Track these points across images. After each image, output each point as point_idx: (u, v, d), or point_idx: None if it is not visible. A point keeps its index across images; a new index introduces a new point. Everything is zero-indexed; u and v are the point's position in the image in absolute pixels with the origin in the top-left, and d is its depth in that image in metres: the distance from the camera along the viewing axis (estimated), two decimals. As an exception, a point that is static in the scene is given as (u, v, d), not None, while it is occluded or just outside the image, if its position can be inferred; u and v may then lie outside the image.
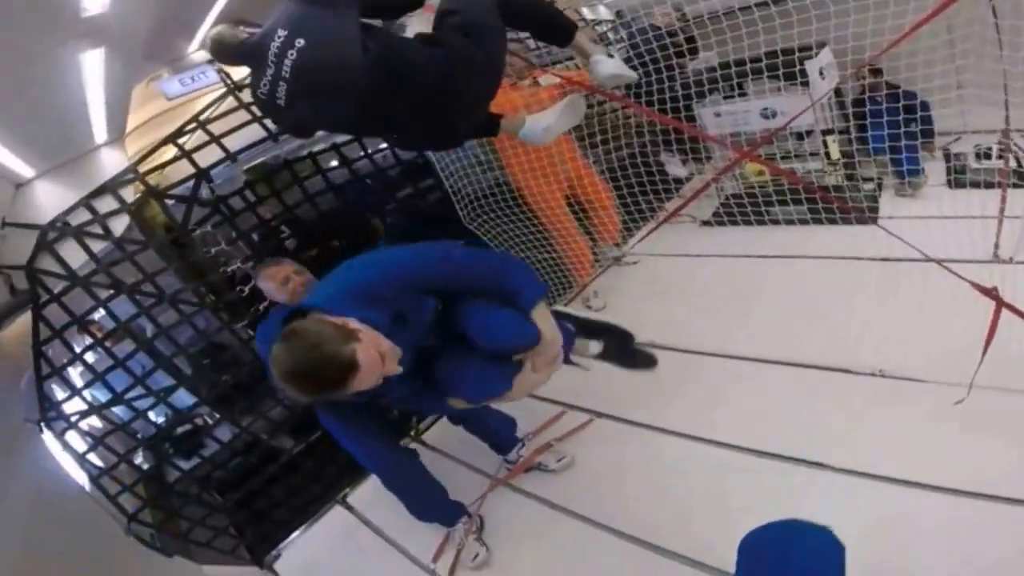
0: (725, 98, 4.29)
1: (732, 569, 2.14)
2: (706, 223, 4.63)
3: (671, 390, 3.23)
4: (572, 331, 2.67)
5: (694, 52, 4.25)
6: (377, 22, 2.28)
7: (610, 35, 4.98)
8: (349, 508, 3.56)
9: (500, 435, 3.15)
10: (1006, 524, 2.09)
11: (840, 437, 2.62)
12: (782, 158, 4.29)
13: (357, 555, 3.26)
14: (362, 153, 3.86)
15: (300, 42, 1.98)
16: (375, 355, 1.72)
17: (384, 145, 3.98)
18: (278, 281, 2.77)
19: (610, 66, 2.57)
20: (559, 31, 2.45)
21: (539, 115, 2.71)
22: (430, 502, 2.91)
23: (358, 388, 1.71)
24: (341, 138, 3.88)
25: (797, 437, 2.69)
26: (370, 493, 3.54)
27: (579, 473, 3.04)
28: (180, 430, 3.66)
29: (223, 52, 2.16)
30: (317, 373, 1.65)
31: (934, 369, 2.68)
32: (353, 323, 1.75)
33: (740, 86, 4.21)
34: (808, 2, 2.70)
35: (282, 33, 1.99)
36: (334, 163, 3.85)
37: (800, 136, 4.37)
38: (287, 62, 1.99)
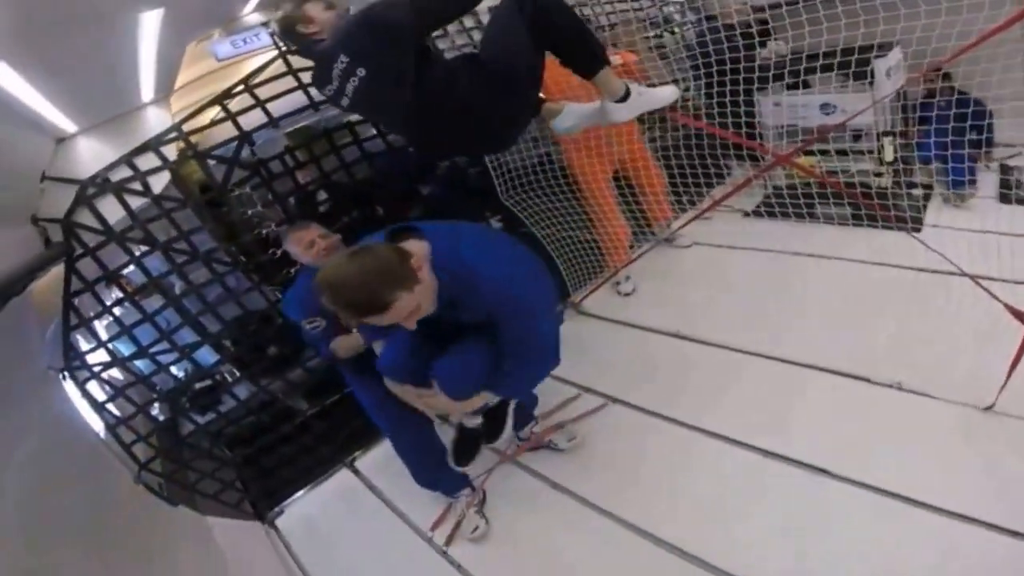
0: (788, 88, 4.14)
1: (723, 565, 2.27)
2: (749, 214, 4.56)
3: (687, 380, 3.30)
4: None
5: (764, 43, 4.14)
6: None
7: (676, 16, 4.82)
8: (356, 472, 3.64)
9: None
10: (999, 554, 2.10)
11: (848, 445, 2.63)
12: (837, 153, 4.11)
13: (358, 519, 3.34)
14: None
15: (361, 72, 2.12)
16: (409, 309, 1.84)
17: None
18: (304, 245, 2.78)
19: (633, 107, 2.48)
20: (589, 58, 2.34)
21: (574, 108, 2.66)
22: (436, 470, 2.97)
23: (371, 323, 1.85)
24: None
25: (805, 440, 2.72)
26: (378, 459, 3.62)
27: (588, 457, 3.08)
28: (198, 385, 3.71)
29: (290, 38, 2.33)
30: (347, 295, 1.77)
31: (954, 387, 2.67)
32: (425, 270, 1.89)
33: (805, 79, 4.09)
34: (878, 3, 2.66)
35: (344, 60, 2.11)
36: (373, 131, 3.79)
37: (856, 135, 4.23)
38: (349, 86, 2.16)
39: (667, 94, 2.53)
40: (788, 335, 3.29)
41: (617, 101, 2.41)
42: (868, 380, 2.90)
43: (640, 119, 3.98)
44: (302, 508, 3.61)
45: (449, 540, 2.95)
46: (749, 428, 2.87)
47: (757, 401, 3.03)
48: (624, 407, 3.29)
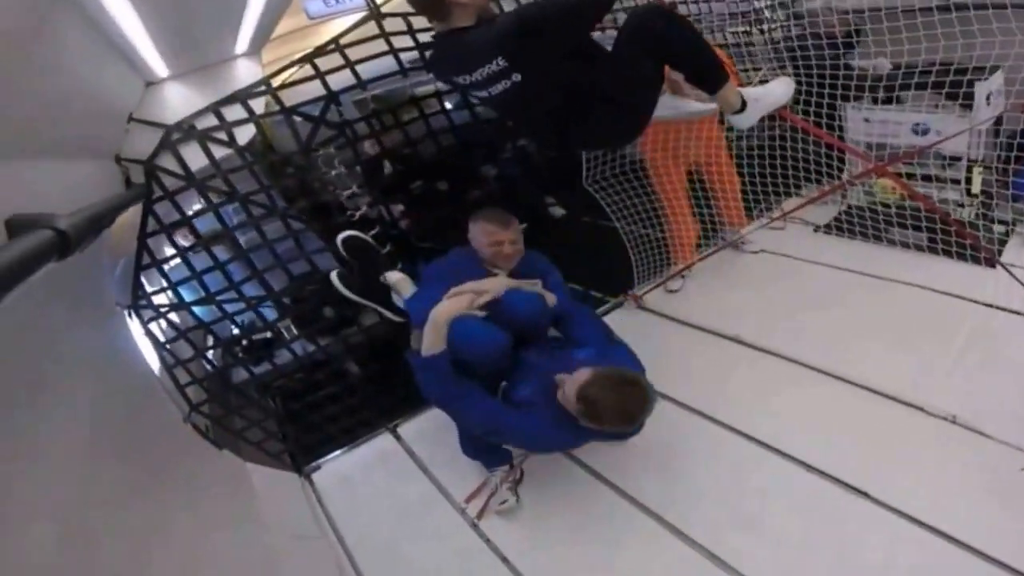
0: (882, 102, 3.99)
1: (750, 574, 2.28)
2: (821, 228, 4.41)
3: (736, 384, 3.28)
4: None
5: (851, 50, 4.05)
6: None
7: (767, 12, 4.68)
8: (397, 437, 3.68)
9: None
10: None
11: (894, 471, 2.59)
12: (923, 179, 4.00)
13: (394, 482, 3.39)
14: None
15: (517, 78, 2.16)
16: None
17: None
18: (491, 241, 3.00)
19: (751, 116, 2.50)
20: (712, 78, 2.38)
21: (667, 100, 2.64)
22: (485, 444, 3.00)
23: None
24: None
25: (850, 459, 2.69)
26: (421, 427, 3.68)
27: (628, 449, 3.02)
28: (257, 337, 3.77)
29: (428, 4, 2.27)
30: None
31: (1010, 431, 2.60)
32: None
33: (897, 95, 3.89)
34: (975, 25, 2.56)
35: (501, 63, 2.11)
36: (448, 105, 3.77)
37: (951, 161, 4.04)
38: (498, 87, 2.21)
39: (784, 89, 2.53)
40: (845, 353, 3.23)
41: (734, 113, 2.43)
42: (922, 410, 2.84)
43: (721, 120, 3.94)
44: (340, 466, 3.67)
45: (481, 513, 2.99)
46: (793, 439, 2.85)
47: (804, 413, 2.99)
48: (670, 403, 3.28)
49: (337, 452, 3.73)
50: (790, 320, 3.58)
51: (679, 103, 2.61)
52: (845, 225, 4.12)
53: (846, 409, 2.97)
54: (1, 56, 1.45)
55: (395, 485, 3.36)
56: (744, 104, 2.42)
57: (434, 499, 3.19)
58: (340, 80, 3.08)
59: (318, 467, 3.66)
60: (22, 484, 1.48)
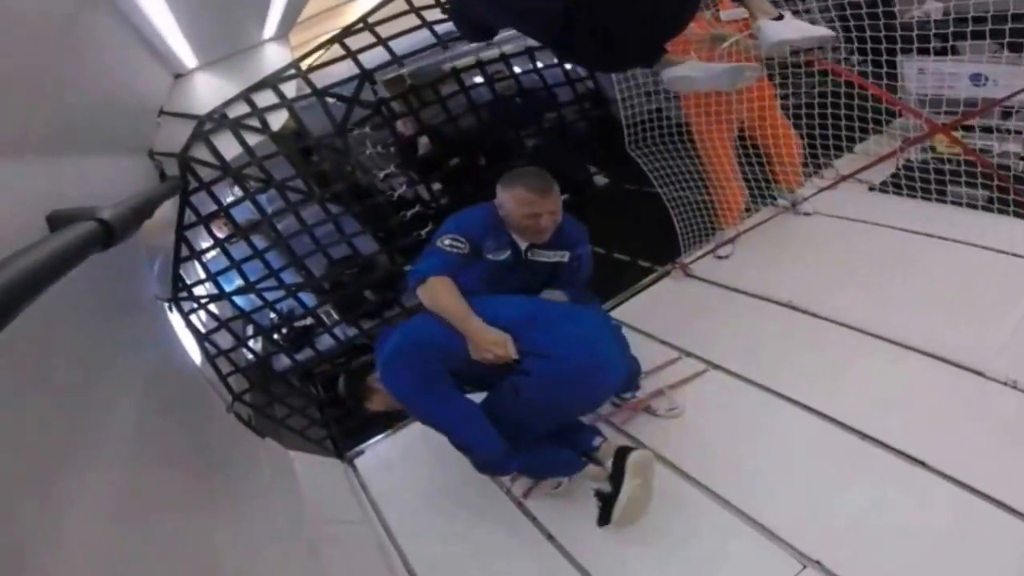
0: (935, 54, 3.74)
1: (808, 551, 2.23)
2: (876, 187, 4.17)
3: (793, 353, 3.16)
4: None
5: None
6: None
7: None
8: None
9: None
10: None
11: (951, 438, 2.49)
12: (981, 130, 3.74)
13: (438, 465, 3.33)
14: (531, 67, 3.65)
15: None
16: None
17: (554, 62, 3.79)
18: (525, 211, 2.65)
19: (778, 30, 2.24)
20: None
21: (696, 64, 2.49)
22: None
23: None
24: (511, 47, 3.74)
25: (907, 427, 2.58)
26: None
27: (682, 423, 3.01)
28: (297, 323, 3.78)
29: None
30: None
31: None
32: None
33: (953, 45, 3.65)
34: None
35: None
36: (478, 79, 3.70)
37: (1007, 112, 3.80)
38: None
39: (823, 31, 2.37)
40: (902, 317, 3.09)
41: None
42: (982, 375, 2.71)
43: (771, 77, 3.80)
44: (383, 450, 3.66)
45: (528, 493, 2.94)
46: (849, 408, 2.74)
47: (861, 381, 2.88)
48: (723, 373, 3.19)
49: (380, 436, 3.71)
50: (846, 284, 3.44)
51: (699, 65, 2.46)
52: (903, 183, 3.88)
53: (902, 376, 2.85)
54: (33, 52, 1.43)
55: (438, 467, 3.31)
56: (781, 16, 2.22)
57: (479, 480, 3.06)
58: (373, 59, 3.03)
59: (361, 452, 3.65)
60: (72, 476, 1.47)
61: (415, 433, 3.65)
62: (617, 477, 2.50)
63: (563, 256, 2.87)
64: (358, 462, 3.61)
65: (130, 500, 1.71)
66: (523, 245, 2.79)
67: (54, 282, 1.09)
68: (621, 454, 2.53)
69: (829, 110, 3.70)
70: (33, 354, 1.43)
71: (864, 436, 2.62)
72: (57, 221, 1.40)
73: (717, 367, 3.22)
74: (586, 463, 2.68)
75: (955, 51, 3.74)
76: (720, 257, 4.08)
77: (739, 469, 2.70)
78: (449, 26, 3.09)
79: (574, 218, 2.95)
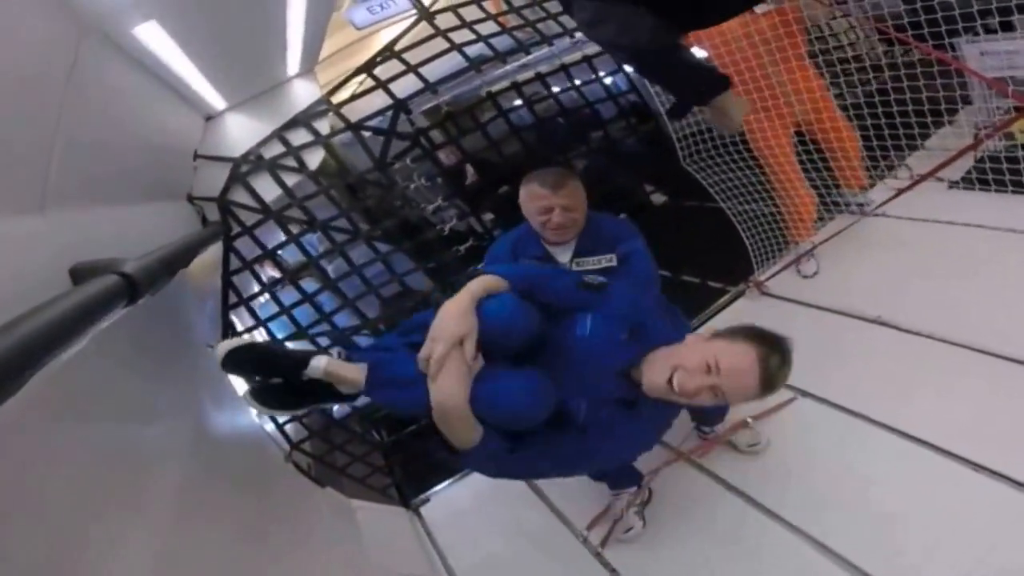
0: (987, 33, 3.39)
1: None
2: (955, 184, 3.78)
3: (890, 375, 2.82)
4: None
5: None
6: None
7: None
8: None
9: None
10: None
11: None
12: None
13: (509, 512, 3.17)
14: (568, 85, 3.53)
15: None
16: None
17: (591, 77, 3.63)
18: (539, 207, 2.56)
19: None
20: None
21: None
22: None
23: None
24: (546, 67, 3.60)
25: (1014, 450, 2.27)
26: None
27: (769, 457, 2.76)
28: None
29: None
30: None
31: None
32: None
33: (1007, 22, 3.33)
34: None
35: None
36: (518, 102, 3.57)
37: None
38: None
39: None
40: (999, 326, 2.76)
41: None
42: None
43: (822, 73, 3.59)
44: (450, 497, 3.48)
45: (604, 541, 2.71)
46: (958, 435, 2.42)
47: (970, 403, 2.54)
48: (813, 401, 2.91)
49: (447, 482, 3.54)
50: (939, 294, 3.11)
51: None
52: (983, 177, 3.54)
53: (1006, 391, 2.52)
54: (48, 107, 1.39)
55: (510, 515, 3.14)
56: None
57: (553, 528, 2.92)
58: (406, 87, 2.94)
59: (427, 500, 3.49)
60: (115, 532, 1.41)
61: (484, 479, 3.44)
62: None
63: (610, 260, 2.65)
64: (424, 510, 3.45)
65: (177, 555, 1.62)
66: (564, 257, 2.66)
67: (74, 337, 1.05)
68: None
69: (890, 108, 3.41)
70: (73, 406, 1.39)
71: (977, 467, 2.32)
72: (79, 274, 1.34)
73: (806, 394, 2.95)
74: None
75: (1009, 27, 3.42)
76: (806, 276, 3.74)
77: (832, 507, 2.43)
78: (480, 48, 3.01)
79: (622, 220, 2.81)
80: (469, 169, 4.23)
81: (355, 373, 2.08)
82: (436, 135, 3.30)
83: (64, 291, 1.17)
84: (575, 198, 2.57)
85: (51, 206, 1.47)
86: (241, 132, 2.84)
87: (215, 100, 2.74)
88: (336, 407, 3.67)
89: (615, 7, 1.73)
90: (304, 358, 2.14)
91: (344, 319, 3.31)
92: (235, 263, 2.84)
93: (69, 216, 1.54)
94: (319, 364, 2.11)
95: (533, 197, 2.58)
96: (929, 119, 3.32)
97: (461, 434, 1.78)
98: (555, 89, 3.53)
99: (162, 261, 1.50)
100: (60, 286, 1.28)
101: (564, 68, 3.49)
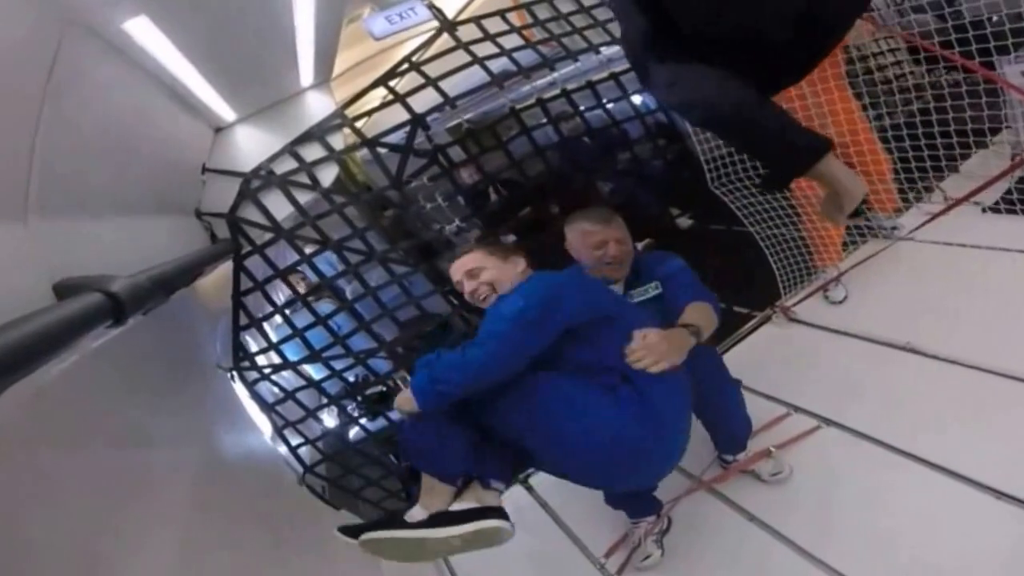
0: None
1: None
2: (990, 208, 3.59)
3: (919, 404, 2.68)
4: None
5: None
6: None
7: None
8: (529, 488, 3.36)
9: (735, 433, 2.72)
10: None
11: None
12: None
13: (526, 538, 2.95)
14: (595, 103, 3.42)
15: None
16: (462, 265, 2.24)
17: (618, 95, 3.46)
18: (594, 243, 2.56)
19: None
20: None
21: None
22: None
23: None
24: (573, 84, 3.49)
25: None
26: (555, 478, 3.33)
27: (793, 486, 2.64)
28: (369, 391, 3.60)
29: None
30: None
31: None
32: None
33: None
34: None
35: None
36: (542, 120, 3.47)
37: None
38: None
39: None
40: None
41: None
42: None
43: (859, 95, 3.46)
44: None
45: (622, 569, 2.65)
46: (982, 463, 2.29)
47: (1003, 433, 2.39)
48: (839, 430, 2.77)
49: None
50: (971, 320, 2.95)
51: None
52: (1021, 200, 3.34)
53: None
54: (22, 104, 1.34)
55: (528, 541, 3.01)
56: None
57: (570, 555, 2.86)
58: (425, 103, 2.86)
59: None
60: (122, 558, 1.41)
61: (505, 502, 3.38)
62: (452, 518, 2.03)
63: (656, 287, 2.63)
64: None
65: (180, 544, 1.66)
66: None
67: (50, 355, 1.02)
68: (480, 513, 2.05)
69: (928, 129, 3.30)
70: (73, 428, 1.39)
71: (1000, 495, 2.18)
72: (64, 291, 1.27)
73: (831, 423, 2.82)
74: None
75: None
76: (834, 302, 3.61)
77: (856, 540, 2.30)
78: (504, 63, 2.92)
79: (658, 252, 2.76)
80: (495, 194, 4.16)
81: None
82: (456, 153, 3.23)
83: (43, 307, 1.12)
84: (624, 231, 2.61)
85: (34, 216, 1.42)
86: (252, 145, 2.79)
87: (224, 111, 2.68)
88: (353, 431, 3.62)
89: (692, 68, 1.67)
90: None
91: (360, 341, 3.22)
92: (246, 283, 2.79)
93: (56, 227, 1.49)
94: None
95: (586, 234, 2.58)
96: (971, 140, 3.22)
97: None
98: (581, 108, 3.44)
99: (155, 280, 1.43)
100: (43, 302, 1.23)
101: (591, 85, 3.39)
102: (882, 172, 3.50)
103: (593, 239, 2.56)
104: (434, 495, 2.06)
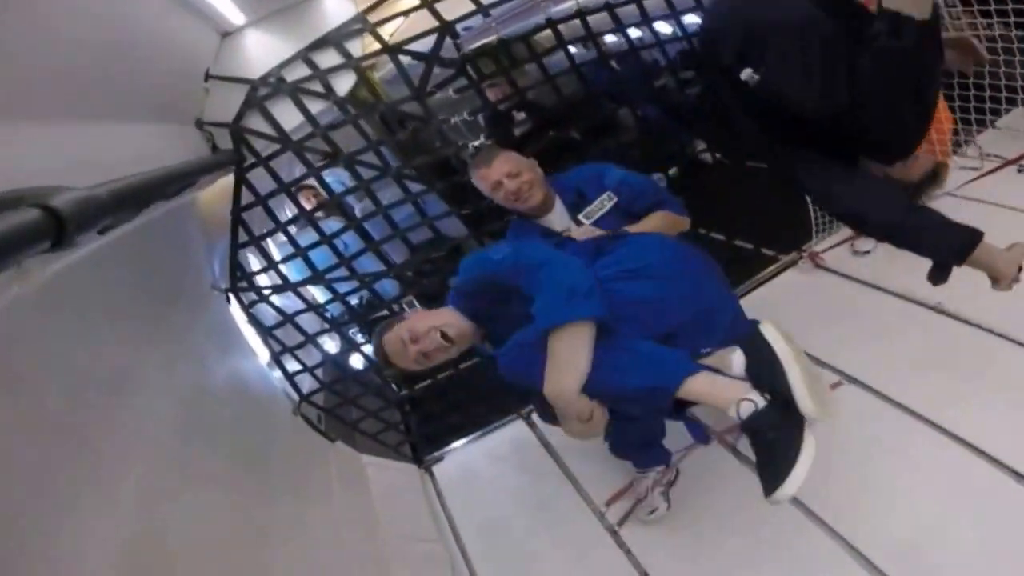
0: None
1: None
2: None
3: (944, 370, 2.54)
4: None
5: None
6: None
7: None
8: (531, 426, 3.32)
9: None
10: None
11: None
12: None
13: (524, 477, 3.09)
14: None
15: None
16: (396, 338, 2.03)
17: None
18: (489, 184, 2.48)
19: None
20: None
21: None
22: (637, 436, 2.49)
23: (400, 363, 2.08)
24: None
25: None
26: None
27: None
28: (374, 316, 3.47)
29: None
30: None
31: None
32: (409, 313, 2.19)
33: None
34: None
35: None
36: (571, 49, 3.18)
37: None
38: None
39: None
40: None
41: None
42: None
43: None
44: (464, 457, 3.39)
45: (623, 520, 2.59)
46: (1006, 439, 2.19)
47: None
48: (860, 388, 2.64)
49: (463, 441, 3.45)
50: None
51: None
52: None
53: None
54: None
55: (526, 480, 3.06)
56: None
57: (569, 499, 2.81)
58: (455, 11, 2.62)
59: (440, 458, 3.41)
60: (108, 471, 1.40)
61: (502, 438, 3.39)
62: (767, 364, 1.72)
63: (609, 197, 2.54)
64: (437, 469, 3.35)
65: (169, 501, 1.61)
66: (563, 220, 2.57)
67: None
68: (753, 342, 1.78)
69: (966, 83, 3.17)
70: (58, 347, 1.37)
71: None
72: (3, 204, 1.08)
73: (852, 380, 2.68)
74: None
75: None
76: (857, 252, 3.44)
77: (867, 506, 2.23)
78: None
79: (585, 165, 2.77)
80: (519, 116, 3.93)
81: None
82: (485, 66, 3.05)
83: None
84: (514, 162, 2.51)
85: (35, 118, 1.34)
86: (261, 52, 2.57)
87: (232, 13, 2.47)
88: (353, 359, 3.51)
89: (847, 182, 2.03)
90: None
91: (367, 263, 3.11)
92: (248, 198, 2.64)
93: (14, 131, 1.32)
94: None
95: (482, 179, 2.53)
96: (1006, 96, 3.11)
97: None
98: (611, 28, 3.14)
99: (117, 193, 1.24)
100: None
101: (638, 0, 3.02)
102: (943, 131, 3.24)
103: (488, 182, 2.50)
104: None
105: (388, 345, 2.06)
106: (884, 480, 2.29)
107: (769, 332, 1.74)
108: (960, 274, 2.71)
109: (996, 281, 2.13)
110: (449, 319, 2.04)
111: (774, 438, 1.62)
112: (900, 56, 1.72)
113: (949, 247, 2.07)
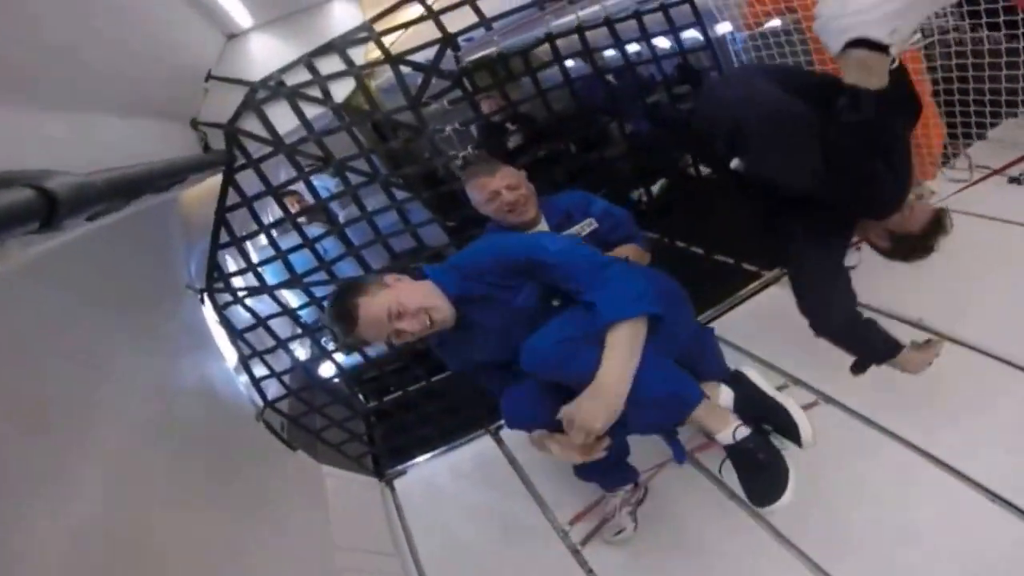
0: None
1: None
2: (1016, 180, 3.43)
3: (924, 389, 2.48)
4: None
5: None
6: None
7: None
8: (499, 441, 3.28)
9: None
10: None
11: None
12: None
13: (488, 494, 3.05)
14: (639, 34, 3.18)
15: None
16: (379, 306, 1.86)
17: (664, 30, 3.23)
18: (486, 194, 2.53)
19: None
20: None
21: None
22: (603, 465, 2.36)
23: (368, 334, 1.92)
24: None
25: None
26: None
27: None
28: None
29: None
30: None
31: None
32: (391, 279, 1.96)
33: None
34: None
35: None
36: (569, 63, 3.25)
37: None
38: None
39: None
40: None
41: None
42: None
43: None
44: (428, 471, 3.33)
45: (587, 539, 2.56)
46: (991, 467, 2.16)
47: (1011, 427, 2.27)
48: (837, 409, 2.65)
49: (427, 455, 3.39)
50: (990, 300, 2.81)
51: None
52: None
53: None
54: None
55: (488, 497, 3.03)
56: None
57: (534, 517, 2.76)
58: (459, 23, 2.66)
59: (403, 472, 3.35)
60: (68, 469, 1.40)
61: (467, 454, 3.34)
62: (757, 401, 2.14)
63: (591, 223, 2.67)
64: (398, 483, 3.30)
65: (129, 501, 1.60)
66: None
67: None
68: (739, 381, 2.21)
69: (964, 93, 3.20)
70: (28, 329, 1.37)
71: (1013, 507, 2.04)
72: None
73: (829, 400, 2.69)
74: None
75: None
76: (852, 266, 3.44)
77: (841, 530, 2.20)
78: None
79: (574, 190, 2.85)
80: (510, 128, 3.98)
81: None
82: (481, 79, 3.08)
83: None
84: (514, 176, 2.61)
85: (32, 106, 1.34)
86: (265, 55, 2.59)
87: (241, 16, 2.49)
88: (324, 366, 3.46)
89: (829, 285, 2.33)
90: None
91: (347, 268, 3.08)
92: (234, 199, 2.63)
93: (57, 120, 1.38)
94: None
95: (479, 188, 2.59)
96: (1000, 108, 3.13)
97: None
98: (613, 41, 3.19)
99: (112, 182, 1.23)
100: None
101: (638, 16, 3.12)
102: (932, 140, 3.42)
103: (487, 190, 2.56)
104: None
105: (365, 310, 1.86)
106: (852, 500, 2.27)
107: (754, 376, 2.17)
108: (941, 292, 2.90)
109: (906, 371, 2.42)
110: (437, 302, 1.93)
111: (765, 458, 1.93)
112: (862, 127, 1.83)
113: (875, 355, 2.42)
